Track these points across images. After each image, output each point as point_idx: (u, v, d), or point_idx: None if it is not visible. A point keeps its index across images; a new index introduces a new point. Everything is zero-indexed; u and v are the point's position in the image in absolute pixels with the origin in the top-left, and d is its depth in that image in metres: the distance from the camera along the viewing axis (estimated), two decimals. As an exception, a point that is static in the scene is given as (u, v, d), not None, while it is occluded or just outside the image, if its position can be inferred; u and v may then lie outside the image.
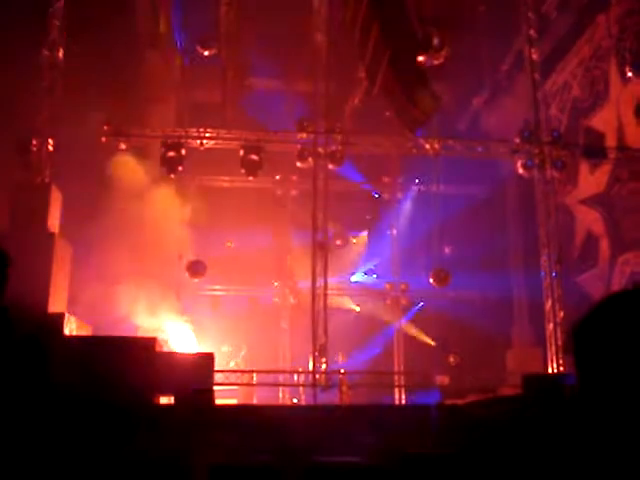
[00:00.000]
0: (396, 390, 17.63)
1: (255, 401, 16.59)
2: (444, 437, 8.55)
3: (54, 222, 12.84)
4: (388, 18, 12.24)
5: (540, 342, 15.45)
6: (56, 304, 12.13)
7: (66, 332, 11.25)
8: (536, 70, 15.80)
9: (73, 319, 12.03)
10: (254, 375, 15.58)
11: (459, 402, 12.92)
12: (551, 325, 14.71)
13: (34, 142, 13.41)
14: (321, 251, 14.74)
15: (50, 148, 13.57)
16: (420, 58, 12.49)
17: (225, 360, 17.47)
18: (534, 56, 15.82)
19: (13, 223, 12.34)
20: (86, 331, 12.62)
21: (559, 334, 14.51)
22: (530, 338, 17.83)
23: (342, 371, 14.24)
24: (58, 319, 11.21)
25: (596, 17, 16.55)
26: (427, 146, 15.47)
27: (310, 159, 15.30)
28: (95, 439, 8.03)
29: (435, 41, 12.90)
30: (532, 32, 15.90)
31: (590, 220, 17.21)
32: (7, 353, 2.66)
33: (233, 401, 15.10)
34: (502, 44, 18.12)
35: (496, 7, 16.90)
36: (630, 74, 15.17)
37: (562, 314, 14.68)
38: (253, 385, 15.56)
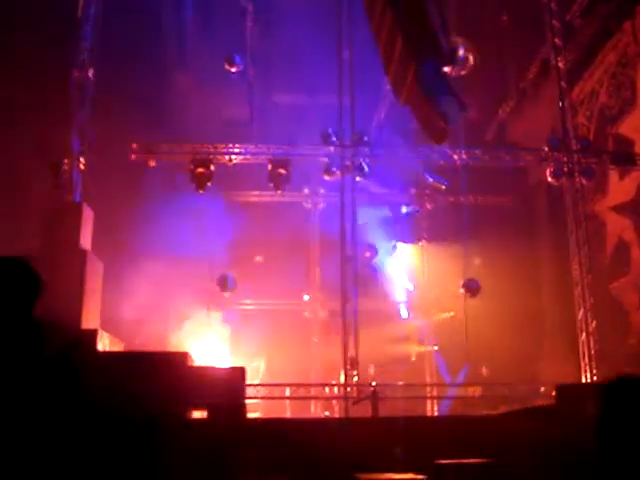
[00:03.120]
0: (428, 402, 17.57)
1: (288, 414, 16.60)
2: (477, 448, 8.50)
3: (86, 240, 13.03)
4: (412, 30, 12.27)
5: (573, 352, 15.31)
6: (89, 320, 12.29)
7: (99, 348, 11.37)
8: (562, 78, 15.75)
9: (106, 335, 12.17)
10: (287, 388, 15.61)
11: (492, 413, 12.86)
12: (583, 335, 14.59)
13: (65, 162, 13.63)
14: (350, 264, 14.77)
15: (82, 167, 13.78)
16: (445, 69, 12.49)
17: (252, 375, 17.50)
18: (560, 64, 15.78)
19: (46, 241, 12.54)
20: (119, 347, 12.76)
21: (592, 344, 14.39)
22: (562, 348, 17.67)
23: (373, 383, 14.20)
24: (91, 335, 11.33)
25: (622, 24, 16.46)
26: (454, 156, 15.47)
27: (337, 172, 15.37)
28: (128, 455, 8.10)
29: (460, 52, 12.91)
30: (557, 40, 15.87)
31: (621, 227, 17.05)
32: (39, 369, 2.72)
33: (256, 414, 15.10)
34: (527, 53, 18.10)
35: (520, 16, 16.90)
36: (657, 80, 15.08)
37: (594, 323, 14.56)
38: (285, 398, 15.59)
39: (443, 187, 18.17)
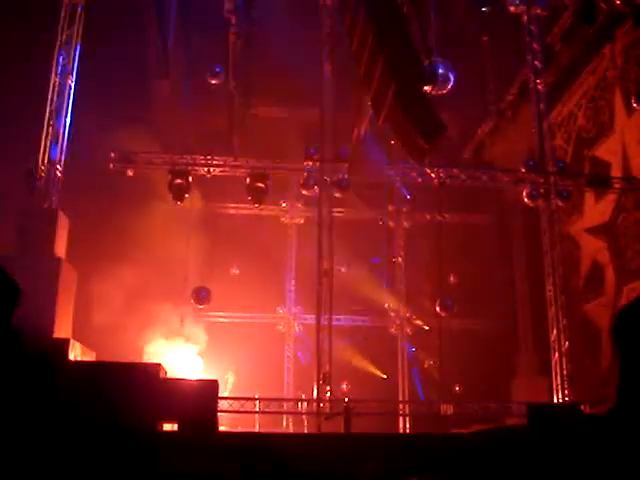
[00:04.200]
0: (400, 419, 17.53)
1: (257, 428, 16.51)
2: (447, 466, 8.50)
3: (60, 247, 12.91)
4: (393, 49, 12.36)
5: (545, 372, 15.39)
6: (61, 329, 12.16)
7: (71, 358, 11.25)
8: (541, 100, 15.91)
9: (78, 345, 12.04)
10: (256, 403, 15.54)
11: (464, 431, 12.87)
12: (556, 355, 14.67)
13: (42, 168, 13.51)
14: (325, 279, 14.77)
15: (58, 174, 13.68)
16: (425, 88, 12.58)
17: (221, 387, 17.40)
18: (539, 87, 15.94)
19: (20, 248, 12.40)
20: (90, 357, 12.63)
21: (564, 364, 14.47)
22: (535, 368, 17.77)
23: (346, 399, 14.18)
24: (63, 344, 11.22)
25: (601, 48, 16.68)
26: (432, 175, 15.54)
27: (316, 187, 15.39)
28: (98, 464, 8.01)
29: (440, 72, 13.00)
30: (537, 63, 16.05)
31: (595, 249, 17.21)
32: (17, 378, 2.69)
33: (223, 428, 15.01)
34: (506, 74, 18.27)
35: (500, 38, 17.07)
36: (635, 105, 15.26)
37: (567, 344, 14.65)
38: (257, 412, 15.50)
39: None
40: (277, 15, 17.13)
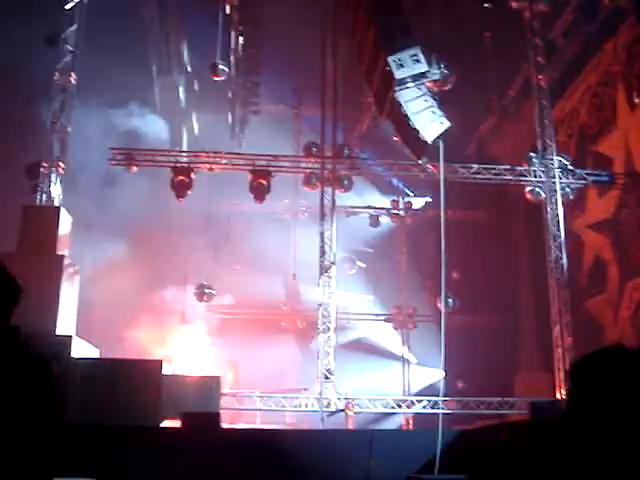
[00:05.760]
0: (402, 415, 17.54)
1: (258, 423, 16.53)
2: (451, 462, 8.52)
3: (63, 244, 12.92)
4: (395, 47, 12.34)
5: (548, 367, 15.38)
6: (64, 327, 12.18)
7: (74, 355, 11.27)
8: (544, 97, 15.89)
9: (81, 342, 12.07)
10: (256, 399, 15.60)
11: (466, 427, 12.87)
12: (559, 350, 14.66)
13: (44, 165, 13.52)
14: (328, 275, 14.79)
15: (61, 172, 13.70)
16: (428, 85, 12.56)
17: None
18: (542, 83, 15.92)
19: (22, 245, 12.41)
20: (94, 354, 12.66)
21: (567, 359, 14.46)
22: (538, 363, 17.76)
23: (348, 395, 14.20)
24: (66, 342, 11.24)
25: (604, 44, 16.64)
26: (435, 171, 15.52)
27: (318, 184, 15.39)
28: (102, 462, 8.04)
29: (443, 68, 13.00)
30: (539, 59, 16.02)
31: (598, 245, 17.19)
32: (17, 374, 2.71)
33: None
34: (509, 71, 18.24)
35: (503, 34, 17.04)
36: (637, 100, 15.24)
37: (570, 340, 14.64)
38: (259, 410, 15.52)
39: None
40: (280, 13, 17.13)
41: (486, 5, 16.16)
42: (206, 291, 17.34)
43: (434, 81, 12.80)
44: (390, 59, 12.05)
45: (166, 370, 12.04)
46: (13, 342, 2.82)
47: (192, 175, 14.93)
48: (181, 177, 14.86)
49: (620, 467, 1.82)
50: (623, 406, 1.91)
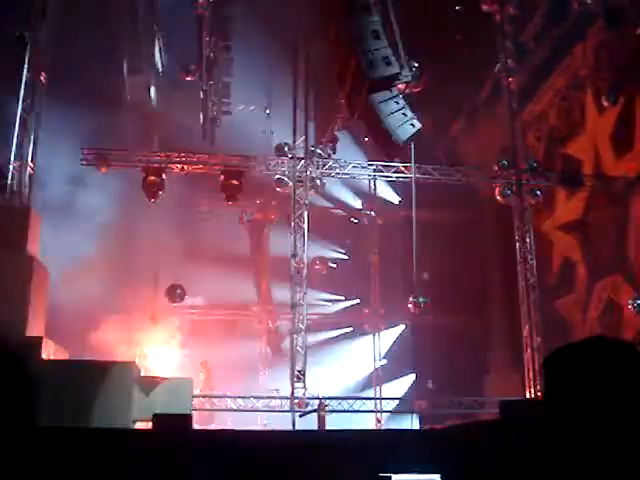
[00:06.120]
0: (374, 415, 17.61)
1: (230, 425, 16.49)
2: (424, 462, 8.56)
3: (33, 245, 12.79)
4: (367, 48, 12.38)
5: (518, 368, 15.52)
6: (34, 328, 12.06)
7: (44, 356, 11.17)
8: (514, 99, 16.04)
9: (51, 343, 11.97)
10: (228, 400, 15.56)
11: (437, 427, 12.94)
12: (529, 350, 14.80)
13: (13, 166, 13.36)
14: (300, 276, 14.79)
15: (30, 171, 13.54)
16: (399, 86, 12.61)
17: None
18: (512, 86, 16.07)
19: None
20: (64, 355, 12.55)
21: (537, 359, 14.60)
22: (508, 363, 17.91)
23: (320, 396, 14.21)
24: (36, 343, 11.13)
25: (573, 48, 16.83)
26: (406, 172, 15.60)
27: (290, 184, 15.38)
28: (71, 466, 7.96)
29: (414, 70, 13.05)
30: (510, 62, 16.17)
31: (567, 246, 17.39)
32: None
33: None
34: (480, 73, 18.36)
35: (474, 36, 17.15)
36: (605, 103, 15.45)
37: (540, 340, 14.78)
38: (232, 410, 15.49)
39: None
40: (251, 13, 17.11)
41: (457, 8, 16.27)
42: (177, 292, 17.25)
43: (406, 83, 12.84)
44: (362, 61, 12.09)
45: (137, 372, 11.97)
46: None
47: (163, 175, 14.85)
48: (152, 177, 14.77)
49: (602, 462, 1.83)
50: (601, 399, 1.92)
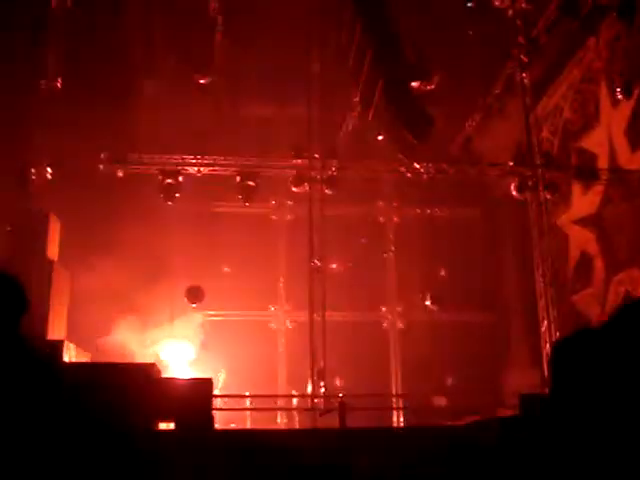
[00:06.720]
0: (394, 412, 17.65)
1: (249, 425, 16.58)
2: (444, 459, 8.61)
3: (53, 250, 12.94)
4: (381, 45, 12.44)
5: (537, 363, 15.51)
6: (55, 331, 12.19)
7: (65, 359, 11.29)
8: (527, 94, 16.03)
9: (72, 346, 12.08)
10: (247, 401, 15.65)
11: (457, 423, 12.97)
12: (547, 346, 14.80)
13: (33, 171, 13.52)
14: (318, 276, 14.85)
15: (49, 176, 13.68)
16: (413, 84, 12.67)
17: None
18: (525, 80, 16.06)
19: (11, 251, 12.42)
20: (85, 358, 12.67)
21: (555, 355, 14.57)
22: (527, 359, 17.90)
23: (340, 395, 14.27)
24: (57, 346, 11.25)
25: (586, 41, 16.78)
26: (421, 170, 15.63)
27: (306, 184, 15.44)
28: (96, 468, 8.06)
29: (428, 67, 13.10)
30: (523, 57, 16.16)
31: (584, 240, 17.34)
32: (24, 383, 2.77)
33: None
34: (493, 68, 18.35)
35: (486, 32, 17.14)
36: (620, 96, 15.40)
37: (558, 335, 14.78)
38: (252, 409, 15.59)
39: None
40: (264, 14, 17.15)
41: (469, 4, 16.26)
42: (196, 293, 17.36)
43: (420, 81, 12.90)
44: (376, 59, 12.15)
45: (157, 373, 12.06)
46: (22, 350, 2.88)
47: (180, 178, 14.98)
48: (169, 180, 14.91)
49: (614, 456, 1.79)
50: (613, 386, 1.85)
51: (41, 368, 2.87)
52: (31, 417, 2.82)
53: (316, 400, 14.04)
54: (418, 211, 19.99)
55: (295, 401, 17.19)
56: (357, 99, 15.97)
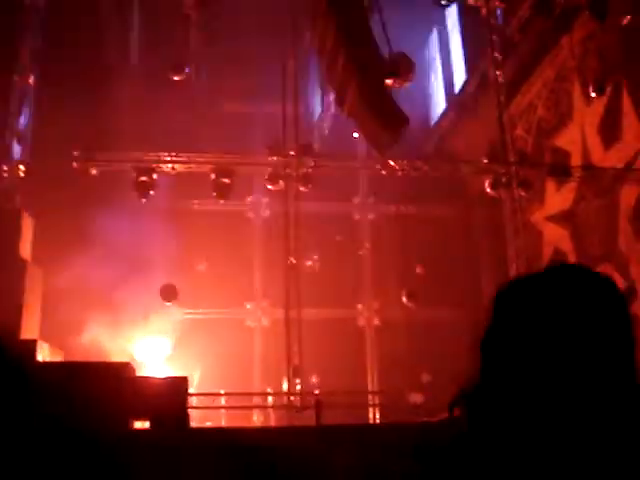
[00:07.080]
0: (370, 409, 17.70)
1: (224, 423, 16.55)
2: (419, 455, 8.64)
3: (25, 248, 12.81)
4: (355, 43, 12.44)
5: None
6: (28, 330, 12.08)
7: (39, 359, 11.19)
8: (501, 92, 16.12)
9: (46, 345, 11.98)
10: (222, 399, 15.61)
11: (431, 420, 13.03)
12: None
13: (4, 168, 13.38)
14: (294, 273, 14.85)
15: (21, 174, 13.55)
16: (388, 82, 12.67)
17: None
18: (500, 78, 16.15)
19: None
20: (59, 357, 12.57)
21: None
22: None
23: (316, 392, 14.29)
24: (30, 346, 11.15)
25: (559, 39, 16.91)
26: (396, 167, 15.66)
27: (281, 181, 15.42)
28: (69, 467, 8.00)
29: (403, 65, 13.10)
30: (497, 55, 16.25)
31: (557, 237, 17.48)
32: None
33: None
34: (466, 66, 18.47)
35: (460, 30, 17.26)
36: (593, 94, 15.53)
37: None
38: (228, 407, 15.56)
39: None
40: (239, 11, 17.11)
41: (443, 3, 16.32)
42: (170, 291, 17.27)
43: (394, 78, 12.90)
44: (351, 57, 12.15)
45: (132, 372, 12.00)
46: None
47: (154, 175, 14.86)
48: (143, 177, 14.79)
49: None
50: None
51: (14, 368, 2.82)
52: (2, 418, 2.78)
53: (292, 398, 14.04)
54: (393, 208, 20.03)
55: (271, 399, 17.18)
56: (332, 97, 15.99)
